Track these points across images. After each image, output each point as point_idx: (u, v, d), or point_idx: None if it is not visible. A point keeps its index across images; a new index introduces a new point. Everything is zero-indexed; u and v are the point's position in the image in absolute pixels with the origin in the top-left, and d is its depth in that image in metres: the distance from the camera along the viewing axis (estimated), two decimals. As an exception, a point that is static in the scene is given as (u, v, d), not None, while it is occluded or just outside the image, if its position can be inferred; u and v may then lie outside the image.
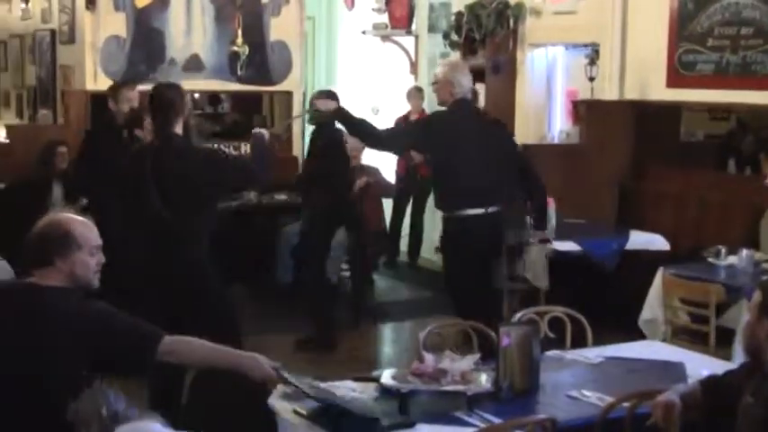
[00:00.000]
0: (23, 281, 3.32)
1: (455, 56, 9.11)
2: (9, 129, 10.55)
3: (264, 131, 5.28)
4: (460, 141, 5.55)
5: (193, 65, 9.11)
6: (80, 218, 3.36)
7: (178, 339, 3.30)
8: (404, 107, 9.59)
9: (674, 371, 3.86)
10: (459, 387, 3.45)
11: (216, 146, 7.64)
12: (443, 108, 5.77)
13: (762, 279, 3.28)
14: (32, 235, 3.33)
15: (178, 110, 4.95)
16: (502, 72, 8.55)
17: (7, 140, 10.20)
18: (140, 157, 5.02)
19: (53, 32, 10.04)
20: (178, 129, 4.96)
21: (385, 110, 10.25)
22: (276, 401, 3.46)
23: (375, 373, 3.72)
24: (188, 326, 4.01)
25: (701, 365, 3.89)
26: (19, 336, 3.13)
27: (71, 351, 3.13)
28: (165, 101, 4.97)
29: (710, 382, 3.18)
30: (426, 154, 6.11)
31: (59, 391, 2.99)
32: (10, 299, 3.25)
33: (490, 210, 5.57)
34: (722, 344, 5.22)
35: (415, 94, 9.37)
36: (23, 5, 11.19)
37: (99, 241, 3.33)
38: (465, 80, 5.72)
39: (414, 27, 9.79)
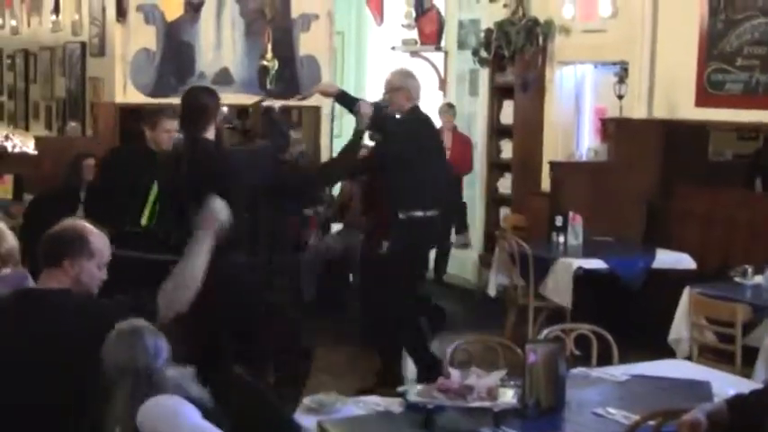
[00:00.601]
0: (22, 288, 3.36)
1: (483, 72, 9.15)
2: (38, 140, 10.65)
3: (275, 103, 5.23)
4: (422, 146, 5.88)
5: (223, 78, 9.16)
6: (98, 230, 3.40)
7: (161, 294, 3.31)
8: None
9: (699, 389, 3.84)
10: (486, 404, 3.44)
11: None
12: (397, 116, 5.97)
13: None
14: (49, 233, 3.38)
15: (210, 115, 4.84)
16: (530, 89, 8.56)
17: (36, 152, 10.31)
18: (168, 166, 5.01)
19: (83, 45, 10.14)
20: (209, 134, 4.85)
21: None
22: (302, 416, 3.48)
23: (401, 389, 3.73)
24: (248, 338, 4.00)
25: (727, 384, 3.87)
26: (27, 342, 3.15)
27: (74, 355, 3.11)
28: (198, 105, 4.86)
29: (737, 401, 3.17)
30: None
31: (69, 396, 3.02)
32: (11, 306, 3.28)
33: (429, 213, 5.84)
34: (748, 363, 5.19)
35: (447, 110, 9.37)
36: (54, 17, 11.30)
37: (109, 258, 3.36)
38: (418, 86, 6.05)
39: (443, 43, 9.82)
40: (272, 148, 5.24)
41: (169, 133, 5.67)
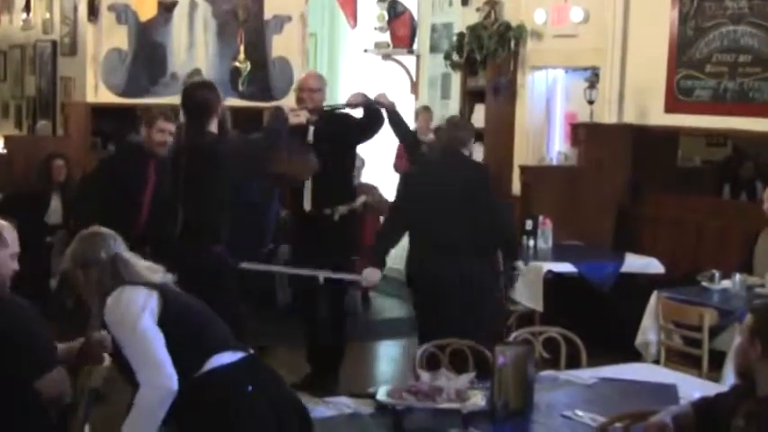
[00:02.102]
0: None
1: (456, 76, 9.18)
2: (7, 139, 10.56)
3: (285, 107, 5.36)
4: None
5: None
6: (5, 222, 3.47)
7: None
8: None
9: (666, 393, 3.88)
10: (455, 405, 3.46)
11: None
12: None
13: (754, 303, 3.30)
14: None
15: (213, 109, 4.91)
16: (502, 94, 8.60)
17: (5, 151, 10.22)
18: (175, 161, 5.07)
19: (54, 44, 10.08)
20: (213, 127, 4.93)
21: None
22: None
23: (371, 390, 3.74)
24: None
25: (693, 388, 3.91)
26: None
27: None
28: (200, 101, 4.93)
29: (702, 404, 3.20)
30: None
31: None
32: None
33: None
34: (715, 367, 5.25)
35: (423, 112, 9.37)
36: (25, 16, 11.23)
37: (18, 249, 3.48)
38: None
39: (415, 47, 9.85)
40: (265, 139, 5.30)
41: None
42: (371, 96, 6.15)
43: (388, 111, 6.06)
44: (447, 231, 5.24)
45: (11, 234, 3.45)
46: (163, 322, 3.15)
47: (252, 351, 3.30)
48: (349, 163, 6.36)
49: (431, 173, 5.58)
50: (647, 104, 7.61)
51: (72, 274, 3.30)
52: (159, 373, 3.07)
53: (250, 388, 3.17)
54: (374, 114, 6.09)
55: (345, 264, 6.17)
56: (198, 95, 4.98)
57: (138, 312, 3.12)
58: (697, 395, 3.45)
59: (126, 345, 3.13)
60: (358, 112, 6.33)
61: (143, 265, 3.31)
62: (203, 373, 3.15)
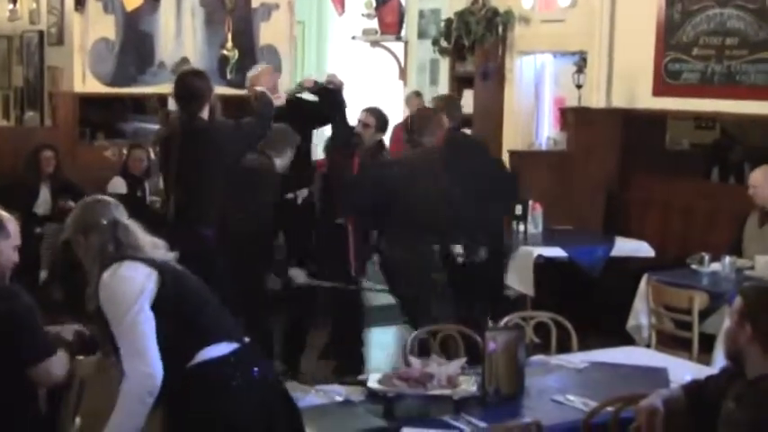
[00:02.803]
0: None
1: (444, 62, 9.18)
2: (-5, 130, 10.54)
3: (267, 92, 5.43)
4: None
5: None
6: (7, 214, 3.47)
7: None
8: (396, 113, 9.60)
9: (657, 376, 3.90)
10: (446, 391, 3.47)
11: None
12: None
13: (743, 285, 3.31)
14: None
15: (205, 98, 5.06)
16: (490, 79, 8.60)
17: (-6, 142, 10.20)
18: (167, 146, 5.16)
19: (41, 34, 10.03)
20: (204, 115, 5.07)
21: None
22: None
23: (362, 377, 3.75)
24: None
25: (683, 371, 3.93)
26: None
27: None
28: (193, 89, 5.06)
29: (693, 387, 3.22)
30: None
31: None
32: None
33: None
34: (705, 349, 5.27)
35: (414, 97, 9.35)
36: (11, 6, 11.16)
37: (20, 242, 3.46)
38: None
39: (403, 33, 9.83)
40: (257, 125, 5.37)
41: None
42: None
43: (333, 91, 6.12)
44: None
45: (13, 225, 3.43)
46: (157, 306, 3.06)
47: (247, 340, 3.23)
48: (307, 147, 6.53)
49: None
50: (635, 88, 7.61)
51: (73, 240, 3.21)
52: (146, 365, 2.99)
53: (235, 383, 3.10)
54: (329, 98, 6.13)
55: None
56: (190, 83, 5.10)
57: (133, 294, 3.03)
58: (688, 378, 3.47)
59: (115, 326, 3.04)
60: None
61: (146, 239, 3.21)
62: (194, 365, 3.08)
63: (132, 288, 3.04)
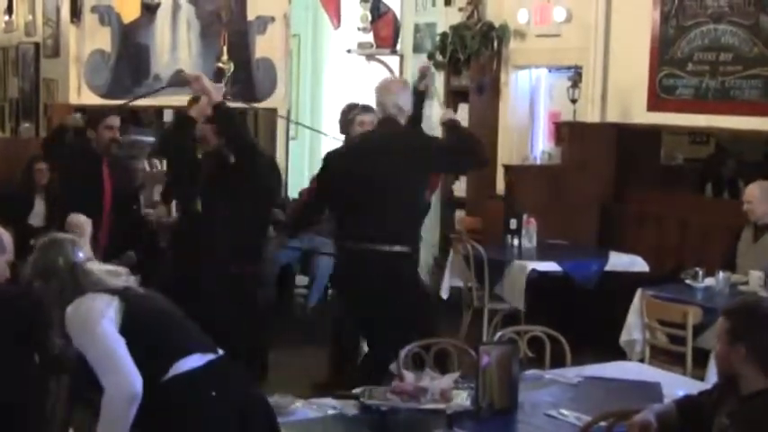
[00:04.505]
0: None
1: (439, 76, 9.18)
2: (-9, 141, 10.53)
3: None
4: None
5: (178, 80, 9.11)
6: (2, 229, 3.48)
7: None
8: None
9: (650, 391, 3.90)
10: (439, 405, 3.47)
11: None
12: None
13: (726, 306, 3.27)
14: None
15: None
16: (485, 93, 8.61)
17: (-11, 153, 10.19)
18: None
19: (37, 45, 10.03)
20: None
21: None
22: None
23: (355, 391, 3.74)
24: None
25: (677, 386, 3.93)
26: None
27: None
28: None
29: (686, 402, 3.22)
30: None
31: None
32: None
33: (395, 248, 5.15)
34: (699, 364, 5.27)
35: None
36: (7, 18, 11.17)
37: (13, 257, 3.54)
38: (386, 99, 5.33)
39: (399, 47, 9.84)
40: None
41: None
42: None
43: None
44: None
45: (8, 240, 3.45)
46: (124, 329, 3.08)
47: (221, 352, 3.24)
48: None
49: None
50: (629, 103, 7.63)
51: (34, 283, 3.24)
52: (122, 378, 3.01)
53: (214, 393, 3.11)
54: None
55: None
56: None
57: (96, 318, 3.07)
58: (681, 393, 3.47)
59: (88, 351, 3.07)
60: None
61: (104, 270, 3.25)
62: (167, 379, 3.09)
63: (95, 314, 3.08)
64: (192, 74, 6.05)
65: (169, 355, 3.12)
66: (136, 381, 3.02)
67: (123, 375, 3.01)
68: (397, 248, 5.09)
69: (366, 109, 6.26)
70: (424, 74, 5.82)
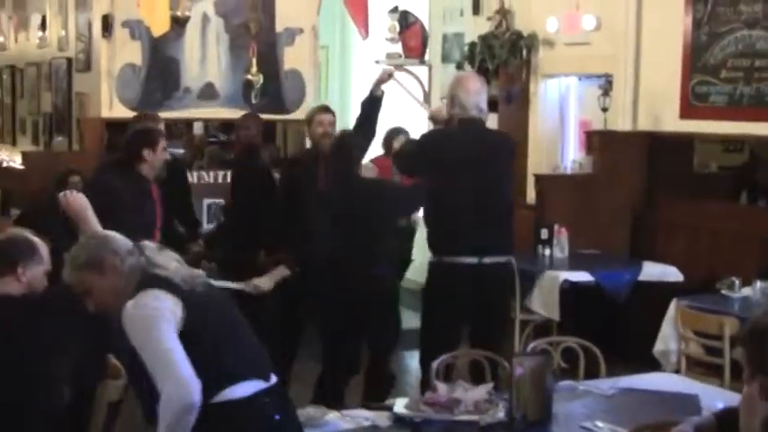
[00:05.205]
0: None
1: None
2: (25, 155, 10.62)
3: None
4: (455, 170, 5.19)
5: (208, 93, 9.17)
6: (40, 240, 3.47)
7: None
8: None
9: (688, 403, 3.84)
10: (473, 417, 3.44)
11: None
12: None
13: (742, 333, 2.98)
14: None
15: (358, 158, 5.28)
16: (514, 102, 8.58)
17: (23, 167, 10.27)
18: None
19: (69, 60, 10.13)
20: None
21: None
22: None
23: (388, 402, 3.72)
24: None
25: (715, 398, 3.87)
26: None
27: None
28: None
29: (726, 415, 3.16)
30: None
31: None
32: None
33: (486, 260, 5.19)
34: (737, 376, 5.19)
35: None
36: (41, 33, 11.29)
37: (50, 267, 3.46)
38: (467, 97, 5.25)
39: (427, 57, 9.84)
40: None
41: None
42: None
43: None
44: None
45: (45, 251, 3.45)
46: (182, 337, 2.94)
47: (275, 380, 3.10)
48: None
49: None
50: (661, 111, 7.57)
51: (80, 280, 3.04)
52: (181, 385, 2.87)
53: (255, 427, 2.99)
54: None
55: None
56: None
57: (159, 317, 2.91)
58: (719, 405, 3.41)
59: (145, 352, 2.92)
60: None
61: (172, 265, 3.07)
62: (215, 404, 2.96)
63: (158, 313, 2.94)
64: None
65: (221, 377, 2.98)
66: (195, 389, 2.88)
67: (183, 382, 2.88)
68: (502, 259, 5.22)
69: (399, 131, 6.36)
70: (383, 79, 5.90)
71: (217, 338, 3.02)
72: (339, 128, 6.52)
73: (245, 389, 3.01)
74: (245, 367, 3.04)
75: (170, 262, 3.10)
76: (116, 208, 4.58)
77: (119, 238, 3.11)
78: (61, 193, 3.84)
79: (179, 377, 2.88)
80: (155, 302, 2.96)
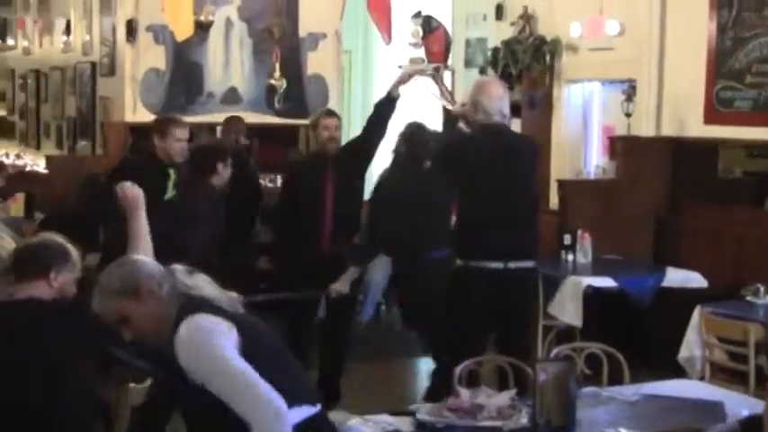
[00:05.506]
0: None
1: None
2: (49, 159, 10.70)
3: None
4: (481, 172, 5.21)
5: (231, 98, 9.21)
6: (72, 247, 3.47)
7: None
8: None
9: (713, 410, 3.81)
10: (496, 423, 3.43)
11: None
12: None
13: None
14: (27, 245, 3.42)
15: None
16: (538, 107, 8.57)
17: (47, 171, 10.35)
18: None
19: (93, 65, 10.19)
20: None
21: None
22: None
23: (411, 408, 3.71)
24: None
25: (739, 405, 3.84)
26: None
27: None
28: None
29: (751, 422, 3.14)
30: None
31: None
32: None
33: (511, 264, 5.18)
34: (761, 383, 5.16)
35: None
36: (65, 38, 11.37)
37: (80, 274, 3.45)
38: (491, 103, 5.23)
39: (450, 62, 9.84)
40: None
41: (180, 143, 5.78)
42: None
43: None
44: None
45: (78, 258, 3.44)
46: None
47: (320, 406, 3.02)
48: None
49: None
50: (685, 116, 7.53)
51: (115, 308, 2.88)
52: (269, 403, 2.73)
53: None
54: None
55: None
56: None
57: (222, 341, 2.74)
58: (745, 413, 3.39)
59: (216, 380, 2.74)
60: None
61: (207, 288, 2.94)
62: None
63: (217, 339, 2.77)
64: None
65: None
66: (284, 407, 2.75)
67: (273, 405, 2.74)
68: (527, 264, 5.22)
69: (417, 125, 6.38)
70: (404, 80, 5.96)
71: (269, 363, 2.88)
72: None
73: (298, 414, 2.90)
74: (296, 392, 2.92)
75: (204, 285, 2.99)
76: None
77: (150, 262, 3.00)
78: (118, 185, 3.78)
79: (267, 400, 2.75)
80: (211, 326, 2.81)
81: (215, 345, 2.76)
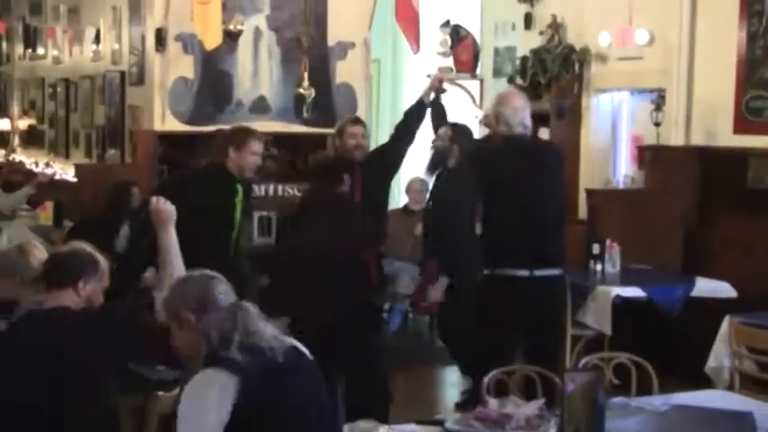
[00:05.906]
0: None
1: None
2: (78, 168, 10.78)
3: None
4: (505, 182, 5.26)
5: (259, 107, 9.23)
6: (101, 257, 3.48)
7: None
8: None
9: (743, 421, 3.79)
10: (524, 432, 3.43)
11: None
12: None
13: None
14: (58, 254, 3.44)
15: None
16: (566, 116, 8.55)
17: (76, 179, 10.42)
18: None
19: (123, 74, 10.26)
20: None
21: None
22: None
23: (438, 417, 3.71)
24: None
25: (770, 416, 3.81)
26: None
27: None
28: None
29: (782, 434, 3.12)
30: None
31: None
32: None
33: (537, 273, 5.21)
34: (792, 395, 5.12)
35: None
36: (95, 47, 11.46)
37: (108, 284, 3.47)
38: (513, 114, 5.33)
39: (479, 71, 9.83)
40: None
41: (255, 156, 5.53)
42: None
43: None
44: None
45: (106, 268, 3.47)
46: (234, 420, 2.70)
47: None
48: None
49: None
50: (714, 126, 7.50)
51: (178, 321, 2.91)
52: None
53: None
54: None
55: None
56: None
57: (207, 417, 2.69)
58: (775, 424, 3.36)
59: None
60: None
61: (268, 332, 2.83)
62: None
63: (208, 410, 2.71)
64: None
65: None
66: None
67: None
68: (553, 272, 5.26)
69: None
70: (435, 86, 6.03)
71: (275, 422, 2.77)
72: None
73: None
74: None
75: (267, 329, 2.87)
76: None
77: (220, 290, 2.95)
78: (153, 198, 3.79)
79: None
80: (206, 389, 2.73)
81: (196, 417, 2.72)
